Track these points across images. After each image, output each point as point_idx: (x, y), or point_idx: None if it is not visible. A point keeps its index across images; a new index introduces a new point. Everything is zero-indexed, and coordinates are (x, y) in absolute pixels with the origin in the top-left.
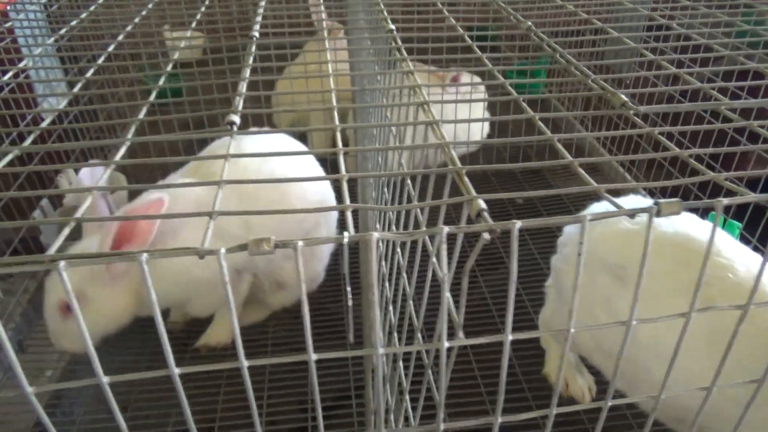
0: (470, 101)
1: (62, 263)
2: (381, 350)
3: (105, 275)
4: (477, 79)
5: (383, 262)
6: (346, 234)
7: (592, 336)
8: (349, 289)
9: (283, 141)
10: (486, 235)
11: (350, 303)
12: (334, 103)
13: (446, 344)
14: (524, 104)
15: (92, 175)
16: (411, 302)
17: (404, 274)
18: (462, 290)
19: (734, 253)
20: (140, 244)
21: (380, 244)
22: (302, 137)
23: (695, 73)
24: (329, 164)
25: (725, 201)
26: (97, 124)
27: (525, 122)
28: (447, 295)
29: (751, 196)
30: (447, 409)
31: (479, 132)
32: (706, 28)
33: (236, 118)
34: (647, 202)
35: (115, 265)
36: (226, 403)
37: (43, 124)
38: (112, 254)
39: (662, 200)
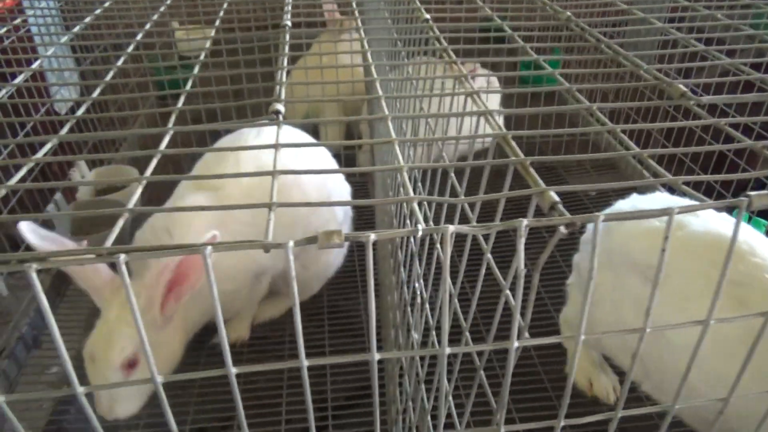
0: (523, 91)
1: (122, 256)
2: (447, 350)
3: (158, 320)
4: (493, 78)
5: (417, 261)
6: (419, 226)
7: (616, 335)
8: (420, 284)
9: (294, 134)
10: (563, 229)
11: (420, 299)
12: (380, 92)
13: (516, 344)
14: (579, 95)
15: (32, 230)
16: (456, 301)
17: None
18: (532, 287)
19: None
20: (195, 281)
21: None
22: (314, 130)
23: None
24: (344, 159)
25: None
26: (131, 113)
27: (541, 116)
28: (507, 292)
29: None
30: (472, 410)
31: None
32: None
33: (281, 107)
34: (674, 199)
35: (168, 305)
36: (244, 401)
37: (79, 112)
38: (175, 247)
39: (753, 192)
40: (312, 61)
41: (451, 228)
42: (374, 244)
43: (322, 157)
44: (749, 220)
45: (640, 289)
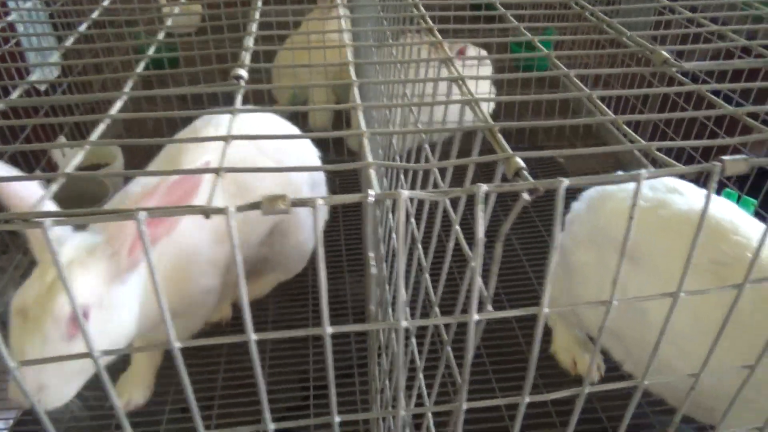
0: (507, 58)
1: (48, 221)
2: (404, 323)
3: (123, 267)
4: (483, 53)
5: (377, 230)
6: (371, 192)
7: (598, 314)
8: (371, 254)
9: (268, 117)
10: (526, 196)
11: (374, 271)
12: (350, 58)
13: (476, 317)
14: (556, 61)
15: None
16: (428, 275)
17: (419, 245)
18: (495, 258)
19: (753, 231)
20: (174, 223)
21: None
22: (297, 113)
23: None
24: (332, 140)
25: None
26: (97, 77)
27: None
28: (476, 261)
29: None
30: (452, 388)
31: (485, 107)
32: None
33: (244, 73)
34: (660, 181)
35: (137, 246)
36: (226, 381)
37: (33, 77)
38: (105, 212)
39: (727, 157)
40: (299, 39)
41: (405, 193)
42: (360, 218)
43: (284, 138)
44: (738, 200)
45: (623, 269)
